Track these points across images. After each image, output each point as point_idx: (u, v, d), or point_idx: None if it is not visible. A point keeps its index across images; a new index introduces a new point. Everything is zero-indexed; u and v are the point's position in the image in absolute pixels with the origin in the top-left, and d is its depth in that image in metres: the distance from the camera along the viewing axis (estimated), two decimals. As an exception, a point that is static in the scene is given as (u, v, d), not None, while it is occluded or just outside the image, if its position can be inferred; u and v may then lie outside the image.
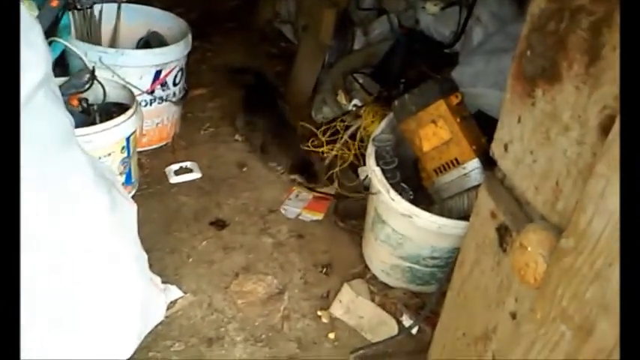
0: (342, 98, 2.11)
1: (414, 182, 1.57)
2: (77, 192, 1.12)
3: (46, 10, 1.74)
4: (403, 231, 1.44)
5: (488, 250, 1.14)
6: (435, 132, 1.37)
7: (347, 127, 1.99)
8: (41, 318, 1.10)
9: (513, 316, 1.03)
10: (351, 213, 1.88)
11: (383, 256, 1.57)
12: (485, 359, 1.12)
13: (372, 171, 1.43)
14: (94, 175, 1.17)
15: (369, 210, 1.57)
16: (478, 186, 1.37)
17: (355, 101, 2.03)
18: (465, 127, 1.38)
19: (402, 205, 1.36)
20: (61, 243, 1.10)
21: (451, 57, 2.15)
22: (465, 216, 1.38)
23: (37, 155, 1.04)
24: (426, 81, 1.40)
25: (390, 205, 1.38)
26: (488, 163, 1.38)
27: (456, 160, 1.38)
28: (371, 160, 1.45)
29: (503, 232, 1.07)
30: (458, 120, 1.37)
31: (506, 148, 1.05)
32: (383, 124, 1.55)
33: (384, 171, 1.42)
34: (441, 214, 1.38)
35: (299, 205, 1.91)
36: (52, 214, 1.07)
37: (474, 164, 1.37)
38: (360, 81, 2.09)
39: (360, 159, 1.98)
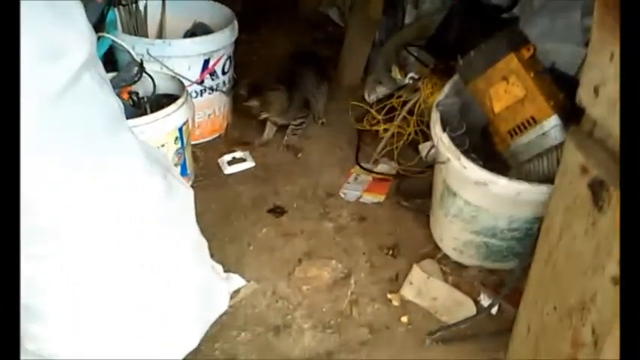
0: (396, 73, 2.00)
1: (483, 151, 1.45)
2: (130, 176, 1.07)
3: (91, 7, 1.72)
4: (477, 202, 1.32)
5: (580, 211, 1.02)
6: (507, 90, 1.24)
7: (404, 103, 1.88)
8: (103, 306, 1.06)
9: (615, 281, 0.91)
10: (414, 192, 1.77)
11: (455, 233, 1.45)
12: (584, 333, 1.00)
13: (439, 138, 1.32)
14: (147, 160, 1.12)
15: (437, 184, 1.46)
16: (559, 145, 1.26)
17: (411, 74, 1.93)
18: (540, 82, 1.25)
19: (476, 171, 1.25)
20: (117, 230, 1.05)
21: (510, 22, 2.00)
22: (545, 179, 1.25)
23: (84, 140, 1.00)
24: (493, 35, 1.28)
25: (462, 173, 1.27)
26: (569, 120, 1.26)
27: (533, 118, 1.25)
28: (437, 127, 1.34)
29: (597, 188, 0.95)
30: (531, 75, 1.24)
31: (596, 91, 0.92)
32: (446, 88, 1.44)
33: (451, 138, 1.31)
34: (519, 179, 1.26)
35: (358, 188, 1.83)
36: (104, 200, 1.03)
37: (552, 122, 1.24)
38: (415, 54, 1.98)
39: (420, 135, 1.87)
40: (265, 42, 2.66)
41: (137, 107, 1.69)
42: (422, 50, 2.06)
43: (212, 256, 1.37)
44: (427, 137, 1.85)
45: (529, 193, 1.23)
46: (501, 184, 1.23)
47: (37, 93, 0.90)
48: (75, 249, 1.00)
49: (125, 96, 1.68)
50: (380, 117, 1.89)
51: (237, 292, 1.46)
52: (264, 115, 1.94)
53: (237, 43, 2.02)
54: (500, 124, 1.30)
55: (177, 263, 1.18)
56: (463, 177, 1.28)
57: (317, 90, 2.06)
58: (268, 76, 2.09)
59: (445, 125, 1.34)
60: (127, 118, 1.16)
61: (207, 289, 1.27)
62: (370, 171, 1.86)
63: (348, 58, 2.31)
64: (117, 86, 1.64)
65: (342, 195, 1.80)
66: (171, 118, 1.61)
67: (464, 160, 1.26)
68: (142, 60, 1.71)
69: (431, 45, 2.07)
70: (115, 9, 1.93)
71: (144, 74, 1.69)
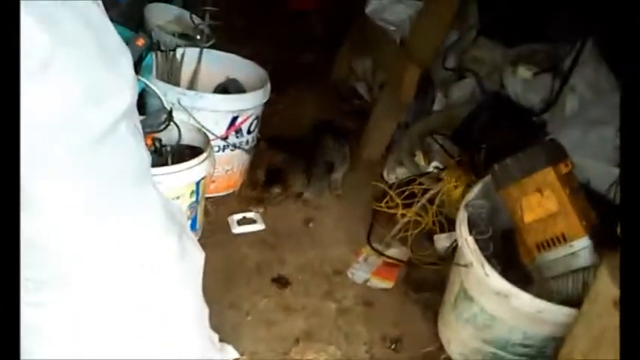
0: (420, 159, 1.99)
1: (502, 256, 1.41)
2: (148, 233, 1.03)
3: (132, 48, 1.72)
4: (494, 311, 1.27)
5: (608, 346, 0.97)
6: (541, 202, 1.22)
7: (425, 191, 1.86)
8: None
9: None
10: (424, 284, 1.72)
11: (464, 338, 1.39)
12: None
13: (464, 240, 1.28)
14: (166, 218, 1.09)
15: (453, 284, 1.41)
16: (587, 268, 1.22)
17: (435, 163, 1.91)
18: (574, 200, 1.23)
19: (498, 282, 1.20)
20: (125, 287, 1.00)
21: (539, 126, 2.02)
22: (567, 300, 1.21)
23: (111, 189, 0.97)
24: (531, 145, 1.27)
25: (483, 280, 1.23)
26: (599, 243, 1.23)
27: (563, 236, 1.22)
28: (463, 228, 1.31)
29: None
30: (567, 191, 1.22)
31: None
32: (476, 188, 1.42)
33: (477, 241, 1.27)
34: (540, 295, 1.21)
35: (367, 270, 1.77)
36: (118, 254, 0.98)
37: (583, 242, 1.21)
38: (440, 142, 1.98)
39: (437, 225, 1.84)
40: (290, 104, 2.68)
41: (158, 155, 1.66)
42: (448, 140, 2.06)
43: (209, 320, 1.31)
44: (444, 229, 1.81)
45: (551, 312, 1.18)
46: (523, 299, 1.18)
47: (76, 135, 0.87)
48: (81, 299, 0.95)
49: (149, 142, 1.66)
50: (399, 201, 1.86)
51: (229, 364, 1.38)
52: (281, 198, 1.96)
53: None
54: (529, 236, 1.26)
55: (176, 328, 1.13)
56: (483, 284, 1.24)
57: (338, 159, 2.05)
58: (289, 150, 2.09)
59: (472, 227, 1.30)
60: (148, 165, 1.14)
61: (201, 360, 1.20)
62: (381, 253, 1.82)
63: (372, 134, 2.31)
64: (143, 131, 1.62)
65: (350, 275, 1.75)
66: (192, 171, 1.58)
67: (487, 268, 1.22)
68: (171, 108, 1.69)
69: (457, 136, 2.07)
70: (153, 54, 1.94)
71: (171, 123, 1.68)
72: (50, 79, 0.83)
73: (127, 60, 0.98)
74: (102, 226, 0.95)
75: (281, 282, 1.69)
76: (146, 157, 1.07)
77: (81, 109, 0.87)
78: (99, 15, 0.94)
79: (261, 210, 1.96)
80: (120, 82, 0.95)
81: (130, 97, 0.97)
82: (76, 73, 0.86)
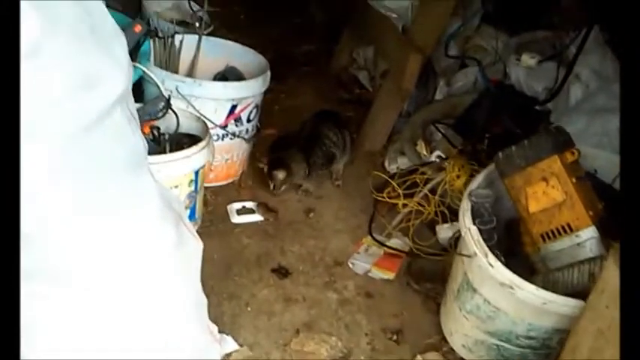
0: (422, 148, 1.96)
1: (505, 246, 1.39)
2: (144, 222, 1.01)
3: (129, 35, 1.70)
4: (497, 302, 1.25)
5: (616, 339, 0.95)
6: (546, 191, 1.19)
7: (427, 181, 1.83)
8: (94, 351, 0.97)
9: None
10: (426, 274, 1.69)
11: (466, 329, 1.37)
12: None
13: (468, 230, 1.26)
14: (162, 206, 1.06)
15: (455, 275, 1.38)
16: (593, 259, 1.20)
17: (438, 152, 1.88)
18: (581, 189, 1.20)
19: (503, 273, 1.18)
20: (121, 276, 0.98)
21: (542, 114, 1.99)
22: (572, 292, 1.18)
23: (105, 177, 0.94)
24: (536, 133, 1.24)
25: (487, 271, 1.20)
26: (606, 233, 1.21)
27: (569, 226, 1.20)
28: (466, 218, 1.28)
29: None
30: (573, 180, 1.19)
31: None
32: (480, 177, 1.39)
33: (480, 231, 1.25)
34: (544, 286, 1.19)
35: (368, 261, 1.75)
36: (113, 243, 0.96)
37: (589, 233, 1.18)
38: (443, 131, 1.95)
39: (439, 216, 1.81)
40: (291, 93, 2.64)
41: (156, 143, 1.64)
42: (450, 129, 2.03)
43: (208, 312, 1.29)
44: (446, 219, 1.79)
45: (556, 304, 1.16)
46: (528, 290, 1.16)
47: (68, 121, 0.85)
48: (77, 290, 0.93)
49: (146, 130, 1.63)
50: (401, 191, 1.84)
51: (228, 355, 1.37)
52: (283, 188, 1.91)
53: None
54: (534, 226, 1.24)
55: (174, 319, 1.10)
56: (487, 275, 1.21)
57: (339, 149, 2.02)
58: (289, 135, 2.05)
59: (475, 217, 1.28)
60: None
61: (200, 352, 1.18)
62: (382, 244, 1.79)
63: (373, 123, 2.28)
64: (140, 119, 1.59)
65: (351, 265, 1.73)
66: (190, 160, 1.55)
67: (491, 258, 1.20)
68: (169, 96, 1.67)
69: (460, 125, 2.04)
70: (151, 40, 1.90)
71: (169, 111, 1.65)
72: (41, 63, 0.80)
73: (121, 45, 0.95)
74: (96, 214, 0.92)
75: (281, 272, 1.67)
76: (142, 145, 1.05)
77: (73, 94, 0.84)
78: (93, -1, 0.92)
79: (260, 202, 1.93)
80: (114, 67, 0.92)
81: (124, 82, 0.94)
82: (68, 57, 0.83)
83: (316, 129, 2.01)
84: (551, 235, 1.22)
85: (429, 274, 1.69)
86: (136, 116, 1.07)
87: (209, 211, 1.86)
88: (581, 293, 1.13)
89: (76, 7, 0.86)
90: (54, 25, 0.81)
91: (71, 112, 0.84)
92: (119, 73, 0.93)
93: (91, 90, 0.87)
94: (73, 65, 0.84)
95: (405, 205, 1.82)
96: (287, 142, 1.95)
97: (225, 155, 1.93)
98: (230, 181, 2.01)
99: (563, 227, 1.20)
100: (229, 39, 2.16)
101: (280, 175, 1.86)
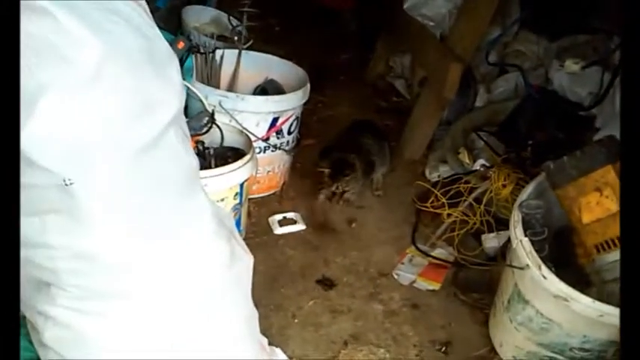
0: (464, 157, 1.95)
1: (556, 257, 1.36)
2: (199, 240, 1.03)
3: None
4: (551, 315, 1.23)
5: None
6: (600, 202, 1.17)
7: (471, 190, 1.81)
8: None
9: None
10: (472, 285, 1.68)
11: (518, 341, 1.35)
12: None
13: (519, 242, 1.24)
14: (215, 224, 1.08)
15: (506, 286, 1.37)
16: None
17: (481, 161, 1.87)
18: (636, 199, 1.17)
19: (557, 285, 1.16)
20: (177, 294, 1.00)
21: (587, 120, 1.95)
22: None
23: (162, 198, 0.96)
24: (587, 143, 1.22)
25: (540, 283, 1.18)
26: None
27: (625, 237, 1.17)
28: (517, 229, 1.26)
29: None
30: (628, 190, 1.16)
31: None
32: (530, 188, 1.37)
33: (532, 242, 1.23)
34: (599, 298, 1.16)
35: (413, 271, 1.74)
36: (170, 262, 0.98)
37: (646, 243, 1.15)
38: (485, 139, 1.93)
39: (485, 225, 1.79)
40: (328, 103, 2.66)
41: (202, 157, 1.66)
42: (492, 136, 2.01)
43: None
44: (492, 228, 1.77)
45: (612, 316, 1.13)
46: (584, 303, 1.14)
47: (126, 145, 0.87)
48: (135, 309, 0.95)
49: (192, 145, 1.66)
50: (445, 200, 1.82)
51: (278, 367, 1.38)
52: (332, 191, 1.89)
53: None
54: (587, 237, 1.22)
55: (229, 333, 1.11)
56: (540, 287, 1.20)
57: (378, 158, 2.02)
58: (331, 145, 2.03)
59: (526, 228, 1.26)
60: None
61: (252, 365, 1.19)
62: (427, 254, 1.78)
63: (413, 131, 2.27)
64: (186, 135, 1.63)
65: (395, 276, 1.72)
66: (236, 173, 1.57)
67: (544, 270, 1.18)
68: (213, 111, 1.69)
69: (502, 132, 2.02)
70: (193, 56, 1.94)
71: (213, 125, 1.68)
72: (101, 87, 0.83)
73: (175, 67, 0.98)
74: (153, 235, 0.94)
75: (326, 284, 1.67)
76: (195, 163, 1.07)
77: (131, 118, 0.87)
78: (148, 22, 0.94)
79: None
80: (168, 90, 0.94)
81: (178, 104, 0.97)
82: (126, 81, 0.86)
83: (354, 139, 2.01)
84: (605, 246, 1.19)
85: (476, 284, 1.67)
86: (188, 135, 1.09)
87: (252, 222, 1.88)
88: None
89: (133, 31, 0.89)
90: (114, 49, 0.84)
91: (129, 135, 0.87)
92: (174, 95, 0.96)
93: (148, 113, 0.89)
94: (132, 90, 0.87)
95: (449, 215, 1.81)
96: (333, 150, 1.94)
97: (267, 167, 1.95)
98: (272, 192, 2.03)
99: (617, 238, 1.17)
100: (266, 52, 2.19)
101: (346, 173, 1.84)
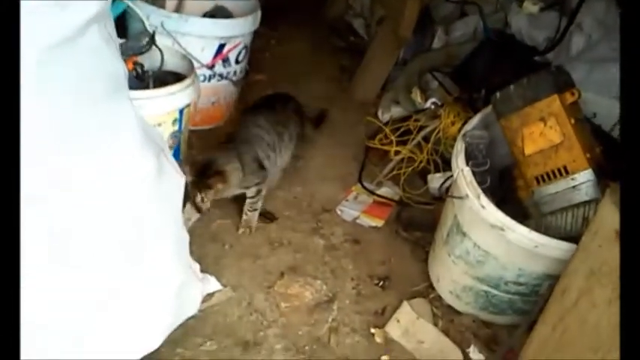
0: (416, 96, 1.90)
1: (499, 192, 1.35)
2: (124, 148, 0.96)
3: (113, -35, 1.61)
4: (487, 246, 1.22)
5: (607, 279, 0.92)
6: (543, 132, 1.14)
7: (421, 128, 1.78)
8: (73, 282, 0.93)
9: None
10: (415, 223, 1.66)
11: (455, 275, 1.34)
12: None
13: (460, 171, 1.21)
14: (142, 135, 1.01)
15: (445, 219, 1.35)
16: (588, 202, 1.16)
17: (433, 99, 1.83)
18: (580, 131, 1.16)
19: (495, 214, 1.14)
20: (100, 202, 0.94)
21: (542, 65, 1.92)
22: (565, 236, 1.15)
23: (83, 98, 0.89)
24: (537, 71, 1.18)
25: (479, 213, 1.16)
26: (602, 176, 1.17)
27: (565, 168, 1.15)
28: (460, 159, 1.23)
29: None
30: (572, 121, 1.14)
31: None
32: (476, 119, 1.34)
33: (474, 173, 1.20)
34: (537, 230, 1.15)
35: (357, 208, 1.71)
36: (92, 167, 0.92)
37: (586, 175, 1.14)
38: (440, 79, 1.89)
39: (432, 164, 1.77)
40: (282, 40, 2.56)
41: (140, 79, 1.57)
42: (447, 77, 1.96)
43: (191, 253, 1.25)
44: (439, 168, 1.74)
45: (548, 247, 1.12)
46: (519, 232, 1.13)
47: (41, 38, 0.80)
48: (56, 218, 0.89)
49: (130, 66, 1.56)
50: (394, 137, 1.78)
51: (210, 295, 1.34)
52: (209, 201, 1.42)
53: (253, 35, 1.91)
54: (528, 168, 1.20)
55: (154, 253, 1.06)
56: (478, 217, 1.18)
57: (279, 145, 1.62)
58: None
59: (469, 159, 1.23)
60: (129, 88, 1.05)
61: (181, 288, 1.14)
62: (372, 192, 1.75)
63: (367, 72, 2.21)
64: (123, 54, 1.51)
65: (339, 212, 1.69)
66: (174, 97, 1.49)
67: (483, 199, 1.16)
68: (154, 31, 1.59)
69: (458, 74, 1.98)
70: (136, -26, 1.80)
71: (153, 47, 1.57)
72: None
73: None
74: (73, 138, 0.87)
75: (267, 217, 1.63)
76: (121, 69, 1.00)
77: (44, 10, 0.79)
78: None
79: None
80: None
81: (98, 3, 0.89)
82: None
83: (247, 127, 1.61)
84: (546, 177, 1.18)
85: (419, 223, 1.66)
86: (116, 40, 1.01)
87: (194, 154, 1.80)
88: (573, 238, 1.09)
89: None
90: None
91: (46, 26, 0.80)
92: None
93: (66, 6, 0.82)
94: None
95: (397, 153, 1.78)
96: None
97: (212, 98, 1.87)
98: (216, 125, 1.94)
99: (559, 170, 1.16)
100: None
101: (219, 184, 1.42)
